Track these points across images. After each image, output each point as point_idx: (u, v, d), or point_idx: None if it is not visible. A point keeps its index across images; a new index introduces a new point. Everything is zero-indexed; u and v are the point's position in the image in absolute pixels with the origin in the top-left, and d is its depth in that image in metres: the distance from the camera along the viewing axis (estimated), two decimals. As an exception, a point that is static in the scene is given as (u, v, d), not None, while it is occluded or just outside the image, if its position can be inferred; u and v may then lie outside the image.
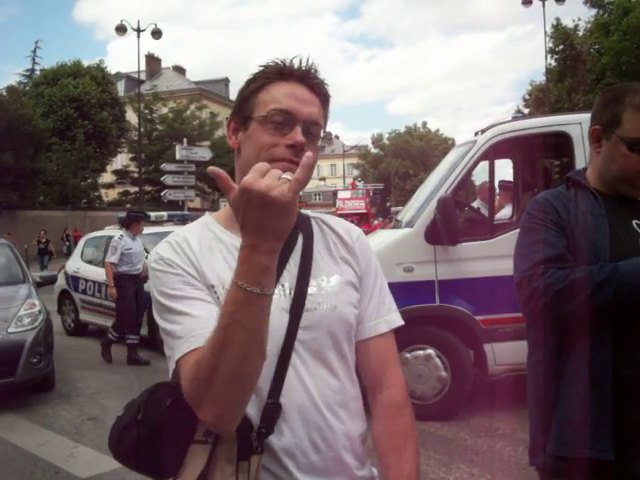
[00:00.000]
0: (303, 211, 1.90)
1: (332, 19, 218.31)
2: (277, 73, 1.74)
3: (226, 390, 1.45)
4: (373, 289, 1.88)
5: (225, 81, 71.35)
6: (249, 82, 1.78)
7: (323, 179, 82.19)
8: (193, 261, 1.69)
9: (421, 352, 6.83)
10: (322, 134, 1.79)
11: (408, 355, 6.81)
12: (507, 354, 6.56)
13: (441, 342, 6.89)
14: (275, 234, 1.38)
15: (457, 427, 6.78)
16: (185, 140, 27.40)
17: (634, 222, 2.37)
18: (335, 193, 47.74)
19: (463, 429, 6.73)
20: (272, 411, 1.62)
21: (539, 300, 2.28)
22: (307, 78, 1.75)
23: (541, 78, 40.68)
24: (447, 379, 6.89)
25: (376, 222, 35.46)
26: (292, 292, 1.71)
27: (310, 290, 1.73)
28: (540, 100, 40.89)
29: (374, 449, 1.82)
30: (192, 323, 1.58)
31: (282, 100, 1.69)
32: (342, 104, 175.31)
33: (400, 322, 1.91)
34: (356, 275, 1.85)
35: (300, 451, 1.65)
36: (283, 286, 1.71)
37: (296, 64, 1.75)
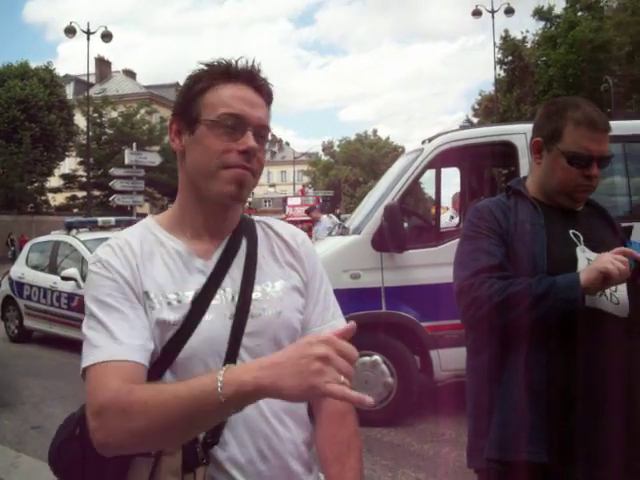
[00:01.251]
0: (248, 215, 1.88)
1: (286, 25, 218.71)
2: (223, 73, 1.70)
3: (152, 441, 1.46)
4: (318, 294, 1.86)
5: (176, 86, 70.29)
6: (193, 82, 1.72)
7: (273, 186, 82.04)
8: (132, 265, 1.64)
9: (367, 358, 6.80)
10: (270, 137, 1.79)
11: (355, 361, 6.79)
12: (452, 360, 6.60)
13: (387, 348, 6.92)
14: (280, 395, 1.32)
15: (404, 433, 6.81)
16: (134, 145, 27.08)
17: (571, 231, 2.43)
18: (285, 200, 47.68)
19: (409, 434, 6.76)
20: None
21: (478, 310, 2.32)
22: (253, 79, 1.72)
23: (491, 88, 41.32)
24: (393, 385, 6.92)
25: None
26: (236, 298, 1.69)
27: (254, 296, 1.71)
28: (489, 110, 41.48)
29: (317, 458, 1.80)
30: (110, 340, 1.54)
31: (232, 103, 1.66)
32: (294, 111, 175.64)
33: None
34: (302, 280, 1.83)
35: (247, 461, 1.63)
36: (225, 291, 1.68)
37: (240, 64, 1.72)
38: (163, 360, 1.61)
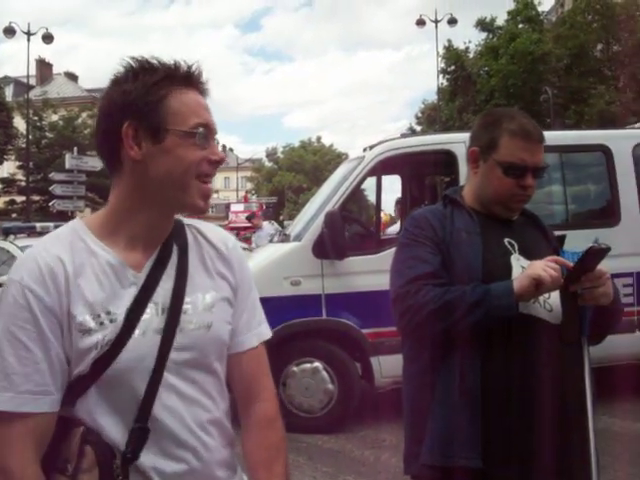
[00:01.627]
0: (178, 217, 1.81)
1: (232, 31, 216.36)
2: (182, 79, 1.65)
3: None
4: (247, 301, 1.85)
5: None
6: (150, 85, 1.61)
7: (216, 192, 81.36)
8: (61, 290, 1.55)
9: (308, 365, 6.85)
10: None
11: (295, 368, 6.82)
12: (393, 366, 6.55)
13: (328, 355, 6.94)
14: None
15: (344, 439, 6.82)
16: (75, 149, 26.46)
17: (506, 240, 2.46)
18: (228, 206, 47.49)
19: (350, 441, 6.78)
20: (138, 436, 1.57)
21: (414, 317, 2.34)
22: (202, 84, 1.70)
23: (434, 97, 41.71)
24: (334, 392, 6.94)
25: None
26: (166, 311, 1.64)
27: (184, 308, 1.67)
28: (432, 118, 41.98)
29: (244, 462, 1.80)
30: (6, 383, 1.50)
31: (200, 112, 1.64)
32: (239, 116, 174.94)
33: (269, 334, 1.89)
34: (231, 288, 1.80)
35: (174, 473, 1.61)
36: (156, 304, 1.64)
37: (191, 69, 1.67)
38: (91, 376, 1.57)
